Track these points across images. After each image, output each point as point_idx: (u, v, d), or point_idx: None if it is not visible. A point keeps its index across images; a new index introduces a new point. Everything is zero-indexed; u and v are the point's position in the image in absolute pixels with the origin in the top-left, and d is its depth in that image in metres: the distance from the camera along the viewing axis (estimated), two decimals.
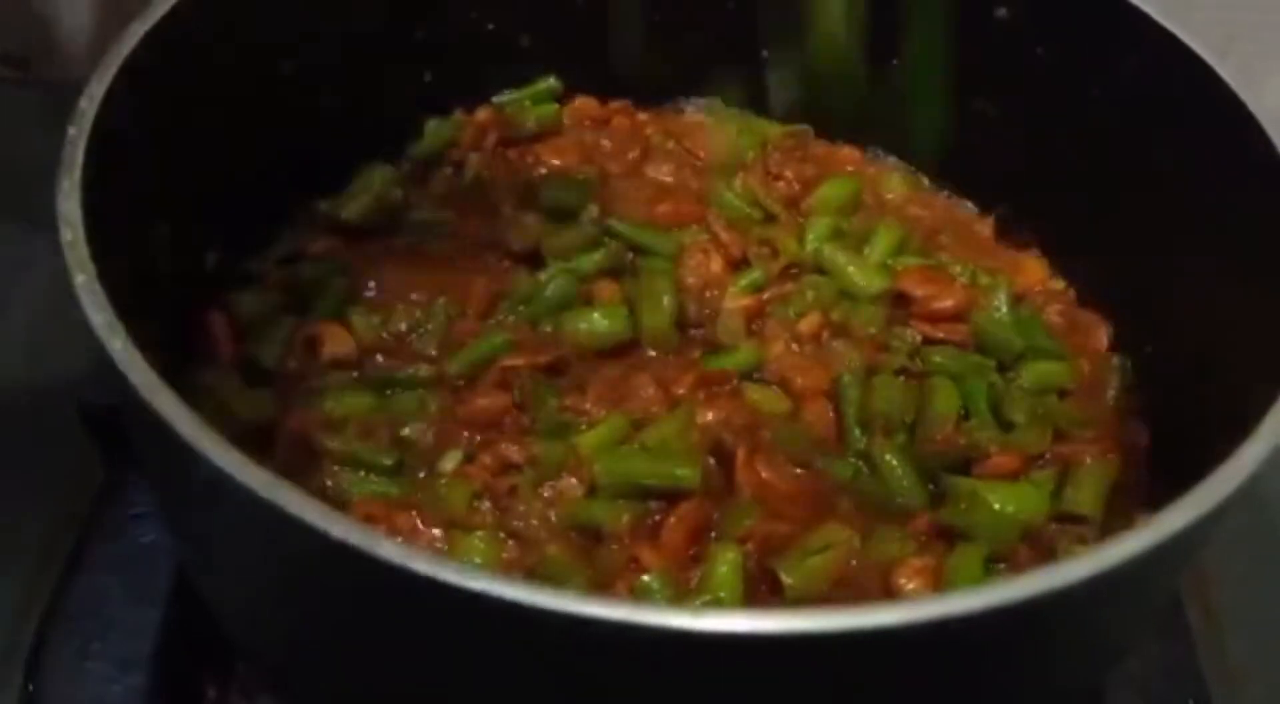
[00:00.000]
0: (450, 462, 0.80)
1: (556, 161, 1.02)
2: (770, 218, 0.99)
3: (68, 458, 0.92)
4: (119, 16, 0.75)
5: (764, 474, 0.81)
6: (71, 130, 0.67)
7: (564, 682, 0.57)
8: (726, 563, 0.76)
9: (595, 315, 0.87)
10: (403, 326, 0.87)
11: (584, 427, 0.82)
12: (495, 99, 1.04)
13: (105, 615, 0.82)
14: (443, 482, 0.80)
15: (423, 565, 0.51)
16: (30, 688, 0.80)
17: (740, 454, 0.82)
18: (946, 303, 0.92)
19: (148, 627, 0.82)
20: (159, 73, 0.74)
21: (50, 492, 0.92)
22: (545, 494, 0.79)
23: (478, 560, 0.74)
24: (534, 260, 0.92)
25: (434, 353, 0.86)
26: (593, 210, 0.95)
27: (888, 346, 0.90)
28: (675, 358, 0.88)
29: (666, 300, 0.88)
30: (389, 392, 0.84)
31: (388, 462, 0.80)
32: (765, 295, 0.91)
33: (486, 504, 0.79)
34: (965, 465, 0.84)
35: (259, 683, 0.83)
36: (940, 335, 0.91)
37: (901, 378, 0.88)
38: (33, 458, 0.94)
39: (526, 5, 1.02)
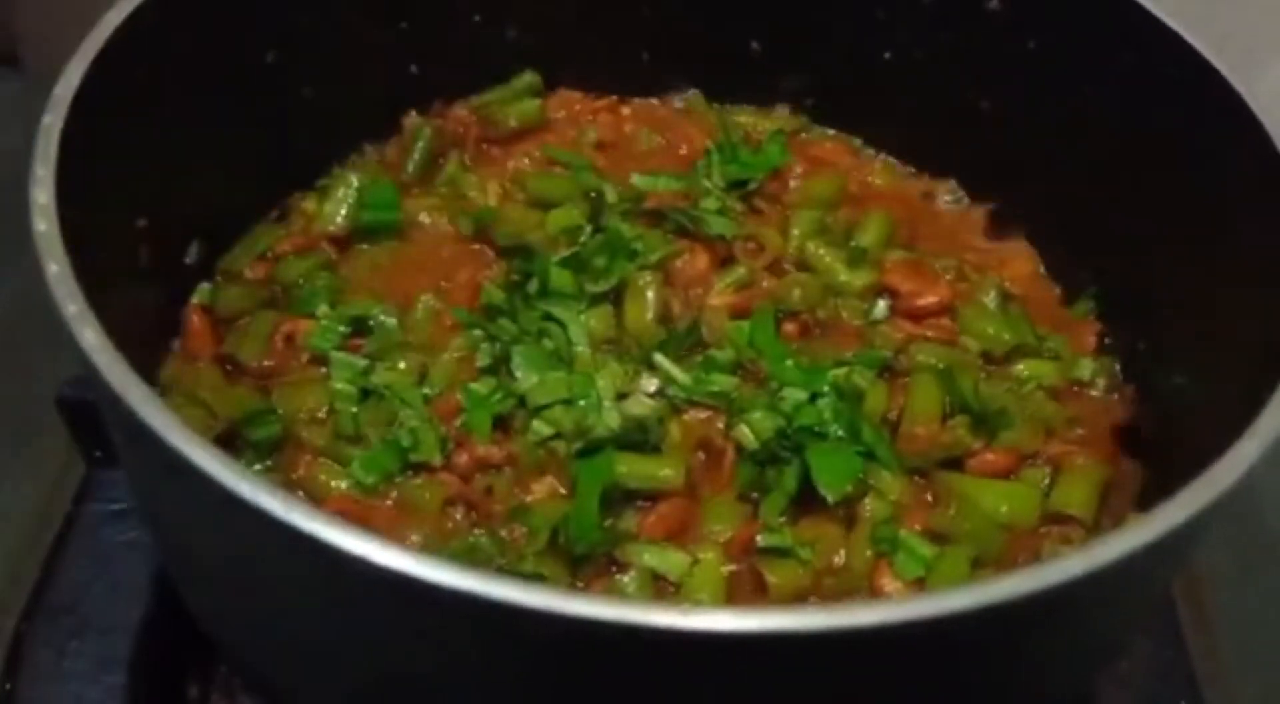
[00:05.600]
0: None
1: (541, 155, 1.01)
2: (755, 212, 0.98)
3: (47, 454, 0.91)
4: (110, 8, 0.74)
5: None
6: (47, 118, 0.66)
7: (548, 680, 0.57)
8: (707, 563, 0.75)
9: (580, 317, 0.86)
10: (384, 322, 0.86)
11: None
12: (473, 99, 1.02)
13: (85, 613, 0.81)
14: (417, 482, 0.79)
15: (406, 564, 0.50)
16: (8, 686, 0.79)
17: (729, 452, 0.81)
18: (931, 299, 0.91)
19: (128, 625, 0.81)
20: (137, 61, 0.73)
21: (29, 488, 0.91)
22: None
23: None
24: (519, 253, 0.91)
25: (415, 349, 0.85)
26: (578, 203, 0.95)
27: (873, 343, 0.89)
28: None
29: (650, 297, 0.88)
30: (369, 388, 0.83)
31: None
32: (750, 292, 0.90)
33: (460, 512, 0.78)
34: (958, 462, 0.83)
35: (240, 682, 0.83)
36: (925, 332, 0.90)
37: (886, 376, 0.87)
38: (12, 454, 0.93)
39: None
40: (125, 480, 0.85)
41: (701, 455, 0.82)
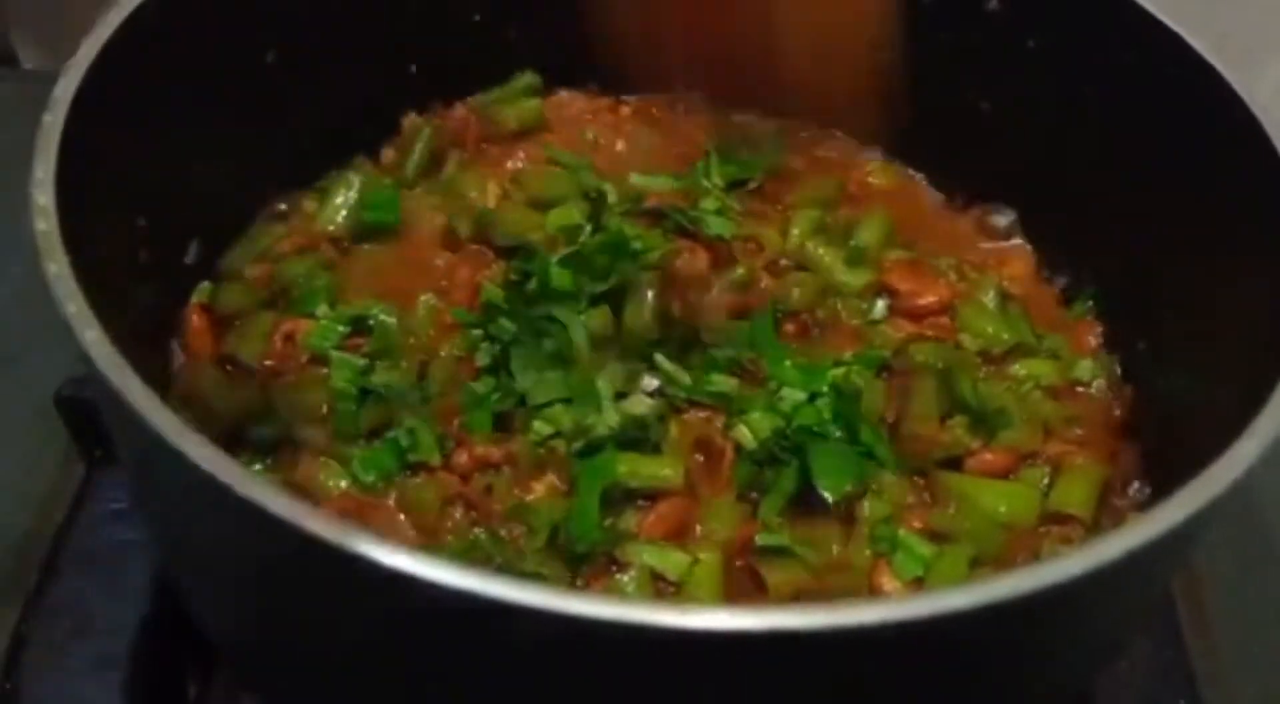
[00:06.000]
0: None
1: (541, 155, 1.01)
2: (754, 212, 0.98)
3: (46, 454, 0.91)
4: (109, 7, 0.74)
5: None
6: (47, 117, 0.66)
7: (546, 679, 0.57)
8: (706, 563, 0.75)
9: (580, 317, 0.86)
10: (384, 321, 0.86)
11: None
12: (473, 99, 1.02)
13: (84, 613, 0.81)
14: (416, 482, 0.79)
15: (402, 562, 0.50)
16: (8, 686, 0.79)
17: (728, 452, 0.81)
18: (930, 298, 0.91)
19: (127, 624, 0.80)
20: (137, 61, 0.73)
21: (28, 487, 0.91)
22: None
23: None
24: (518, 253, 0.91)
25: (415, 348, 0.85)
26: (578, 203, 0.95)
27: (872, 342, 0.89)
28: None
29: (650, 296, 0.88)
30: (368, 387, 0.82)
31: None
32: (749, 292, 0.90)
33: (459, 511, 0.78)
34: (957, 462, 0.83)
35: (239, 681, 0.82)
36: (924, 331, 0.90)
37: (885, 375, 0.87)
38: (11, 454, 0.93)
39: None
40: (125, 479, 0.85)
41: (700, 456, 0.82)
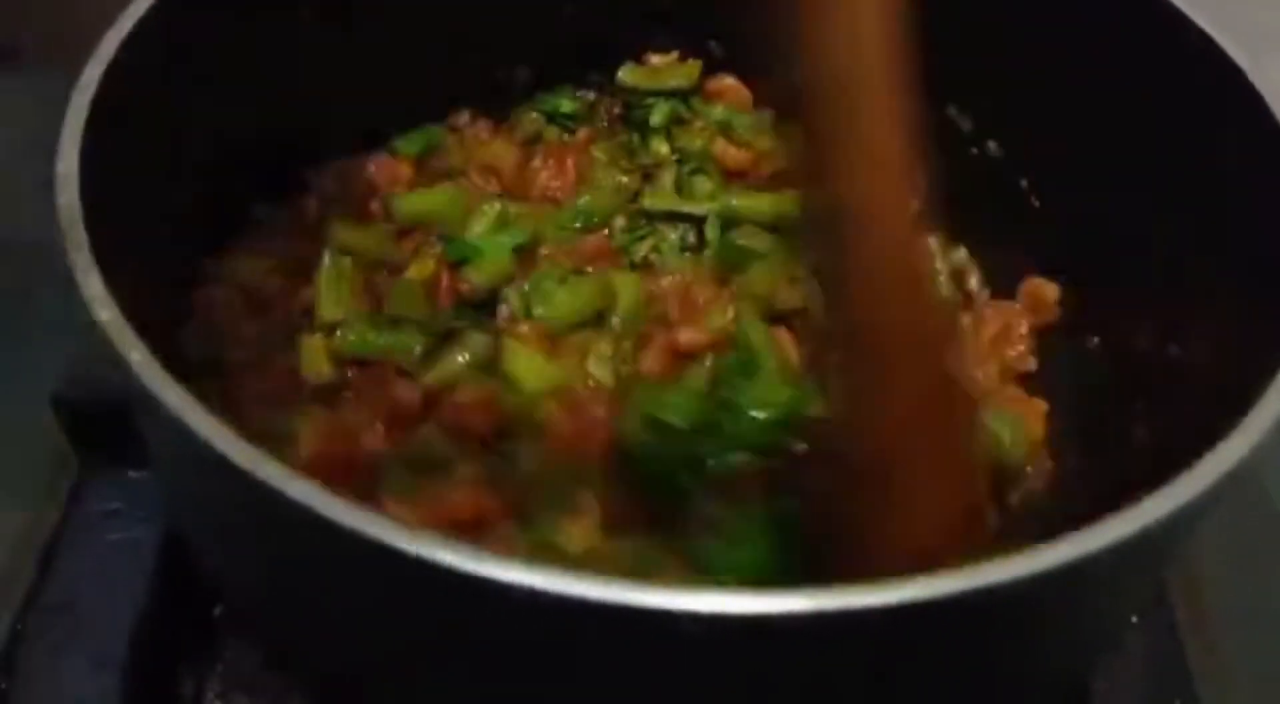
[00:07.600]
0: None
1: None
2: None
3: (41, 455, 0.91)
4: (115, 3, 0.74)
5: None
6: (75, 98, 0.66)
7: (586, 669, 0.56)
8: None
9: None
10: None
11: None
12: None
13: (79, 614, 0.81)
14: None
15: (438, 553, 0.49)
16: (3, 686, 0.79)
17: None
18: None
19: (122, 625, 0.80)
20: (169, 42, 0.73)
21: (23, 489, 0.90)
22: None
23: None
24: None
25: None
26: None
27: None
28: None
29: None
30: None
31: None
32: None
33: None
34: None
35: (235, 680, 0.82)
36: None
37: None
38: (5, 454, 0.93)
39: None
40: (119, 480, 0.86)
41: None
